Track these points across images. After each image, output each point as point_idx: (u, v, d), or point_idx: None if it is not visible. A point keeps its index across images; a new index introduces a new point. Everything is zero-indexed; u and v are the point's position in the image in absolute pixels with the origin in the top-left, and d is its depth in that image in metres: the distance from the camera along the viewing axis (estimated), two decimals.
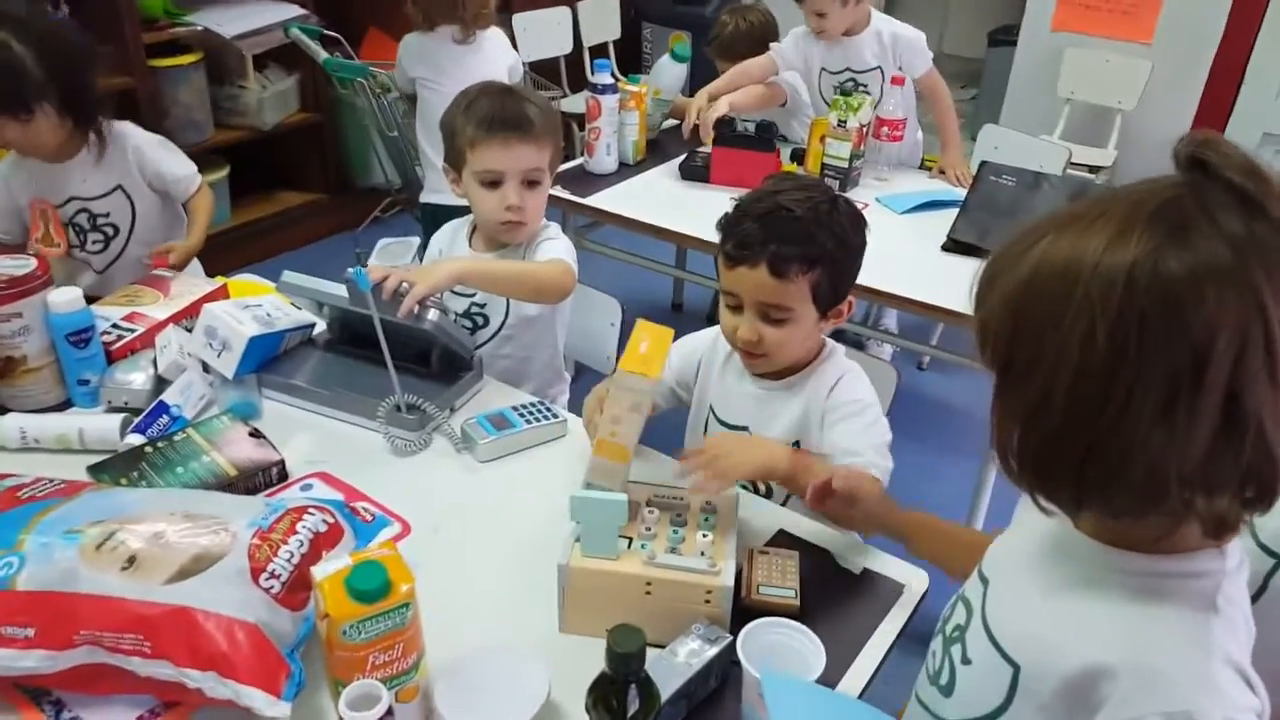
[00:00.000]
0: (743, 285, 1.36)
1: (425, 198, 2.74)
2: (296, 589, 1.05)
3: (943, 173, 2.82)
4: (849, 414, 1.39)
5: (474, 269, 1.58)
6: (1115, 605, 0.77)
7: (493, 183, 1.66)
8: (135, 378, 1.50)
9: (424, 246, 2.70)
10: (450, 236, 1.87)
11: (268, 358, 1.58)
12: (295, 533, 1.09)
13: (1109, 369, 0.67)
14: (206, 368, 1.54)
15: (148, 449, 1.35)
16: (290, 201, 3.72)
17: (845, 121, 2.57)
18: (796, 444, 1.44)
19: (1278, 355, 0.65)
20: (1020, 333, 0.73)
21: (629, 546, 1.17)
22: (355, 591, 0.92)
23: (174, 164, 2.09)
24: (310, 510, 1.14)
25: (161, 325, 1.59)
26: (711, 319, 3.48)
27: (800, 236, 1.32)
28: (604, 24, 4.50)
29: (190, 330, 1.60)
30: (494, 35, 2.74)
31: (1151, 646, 0.74)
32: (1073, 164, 3.13)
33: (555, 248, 1.72)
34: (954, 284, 2.20)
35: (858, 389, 1.43)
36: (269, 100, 3.45)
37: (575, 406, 1.63)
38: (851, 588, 1.28)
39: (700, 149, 2.72)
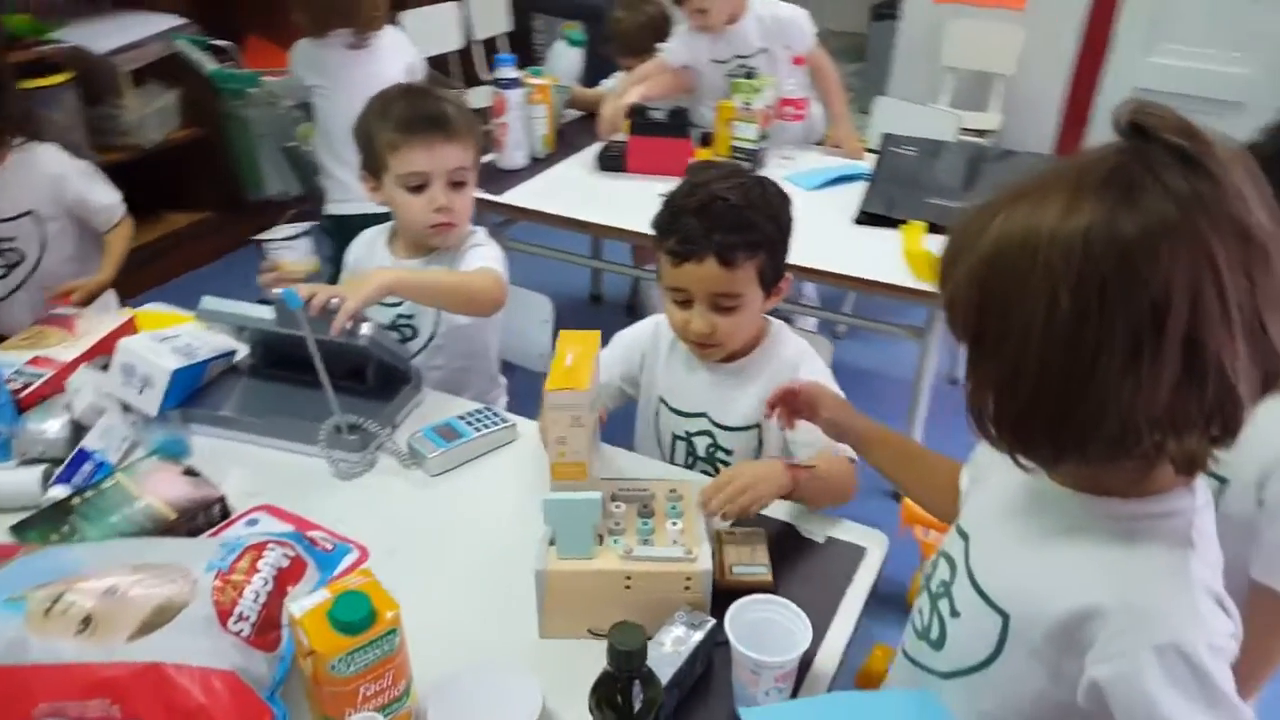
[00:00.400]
0: (691, 280, 1.36)
1: (329, 209, 2.65)
2: (266, 629, 1.01)
3: (836, 146, 2.86)
4: None
5: (404, 280, 1.53)
6: (1097, 549, 0.80)
7: (418, 186, 1.62)
8: (49, 426, 1.40)
9: (333, 259, 2.63)
10: (368, 246, 1.82)
11: (191, 390, 1.50)
12: (258, 570, 1.04)
13: (1075, 331, 0.70)
14: (127, 408, 1.46)
15: (74, 500, 1.27)
16: (178, 222, 3.56)
17: (750, 104, 2.58)
18: (758, 426, 1.45)
19: (1229, 300, 0.69)
20: (987, 306, 0.76)
21: (601, 543, 1.15)
22: (340, 624, 0.89)
23: (99, 192, 2.00)
24: (270, 545, 1.09)
25: (71, 367, 1.50)
26: (631, 308, 3.49)
27: (741, 224, 1.33)
28: (493, 17, 4.43)
29: (104, 369, 1.51)
30: (390, 36, 2.64)
31: (1135, 585, 0.78)
32: (963, 130, 3.24)
33: (484, 255, 1.69)
34: (868, 254, 2.27)
35: (818, 367, 1.46)
36: (150, 117, 3.28)
37: (514, 409, 1.60)
38: (816, 556, 1.31)
39: (616, 139, 2.71)
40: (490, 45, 4.49)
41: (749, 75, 2.68)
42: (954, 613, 0.93)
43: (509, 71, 2.59)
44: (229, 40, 3.11)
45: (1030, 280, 0.72)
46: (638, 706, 0.89)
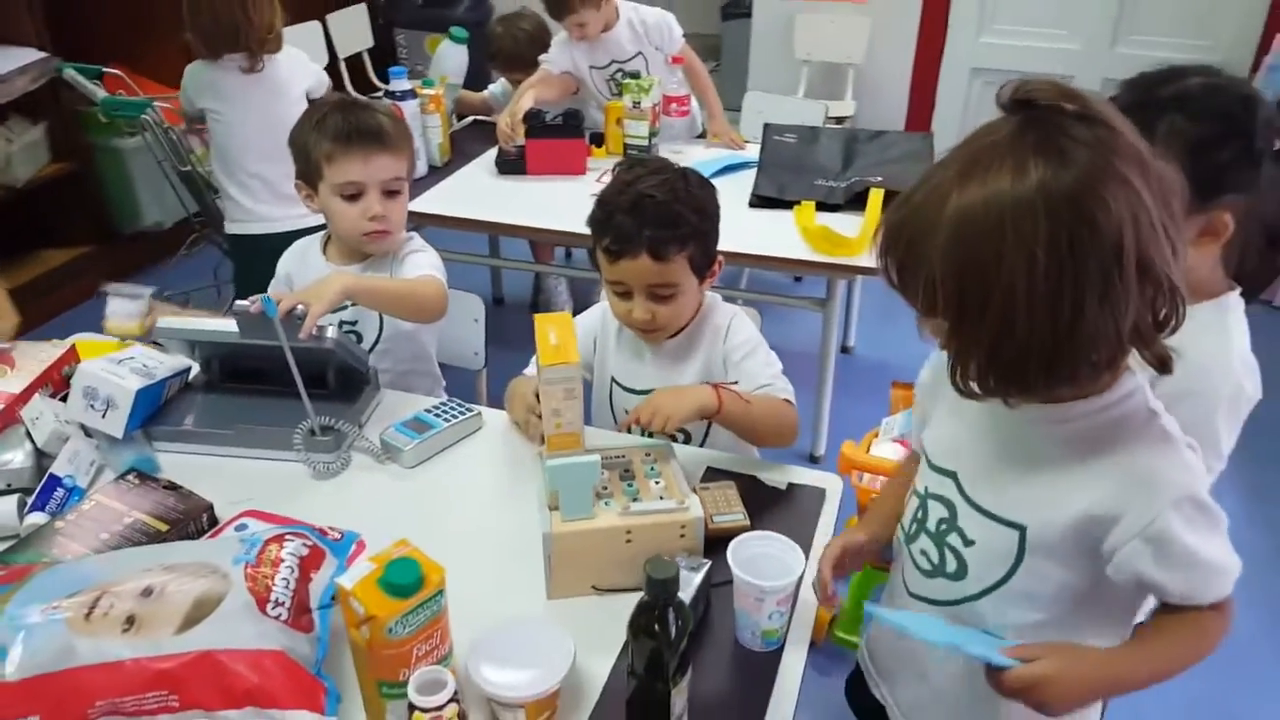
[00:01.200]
0: (628, 274, 1.46)
1: (229, 229, 2.62)
2: (300, 613, 1.05)
3: (716, 138, 3.01)
4: (747, 353, 1.54)
5: (360, 285, 1.56)
6: (1086, 446, 0.93)
7: (353, 195, 1.66)
8: (13, 456, 1.38)
9: (236, 279, 2.60)
10: (300, 256, 1.83)
11: (152, 410, 1.50)
12: (283, 560, 1.08)
13: (1056, 281, 0.80)
14: (88, 432, 1.45)
15: (58, 524, 1.27)
16: (54, 260, 3.42)
17: (640, 102, 2.70)
18: None
19: (1155, 220, 0.82)
20: (966, 278, 0.83)
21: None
22: (394, 588, 0.94)
23: None
24: (287, 537, 1.13)
25: (22, 398, 1.47)
26: (535, 307, 3.55)
27: (669, 219, 1.43)
28: (355, 34, 4.42)
29: (54, 397, 1.50)
30: (288, 58, 2.61)
31: (1133, 461, 0.91)
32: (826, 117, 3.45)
33: (423, 262, 1.74)
34: (761, 234, 2.40)
35: (746, 328, 1.58)
36: (17, 154, 3.14)
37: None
38: (782, 502, 1.42)
39: (514, 143, 2.77)
40: (358, 61, 4.47)
41: (632, 77, 2.79)
42: (967, 542, 1.03)
43: (402, 83, 2.63)
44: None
45: (1005, 246, 0.80)
46: (674, 631, 0.98)
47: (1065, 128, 0.81)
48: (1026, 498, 0.97)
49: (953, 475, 1.05)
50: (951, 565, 1.06)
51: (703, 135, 3.09)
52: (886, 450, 2.01)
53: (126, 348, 1.55)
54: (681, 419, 1.39)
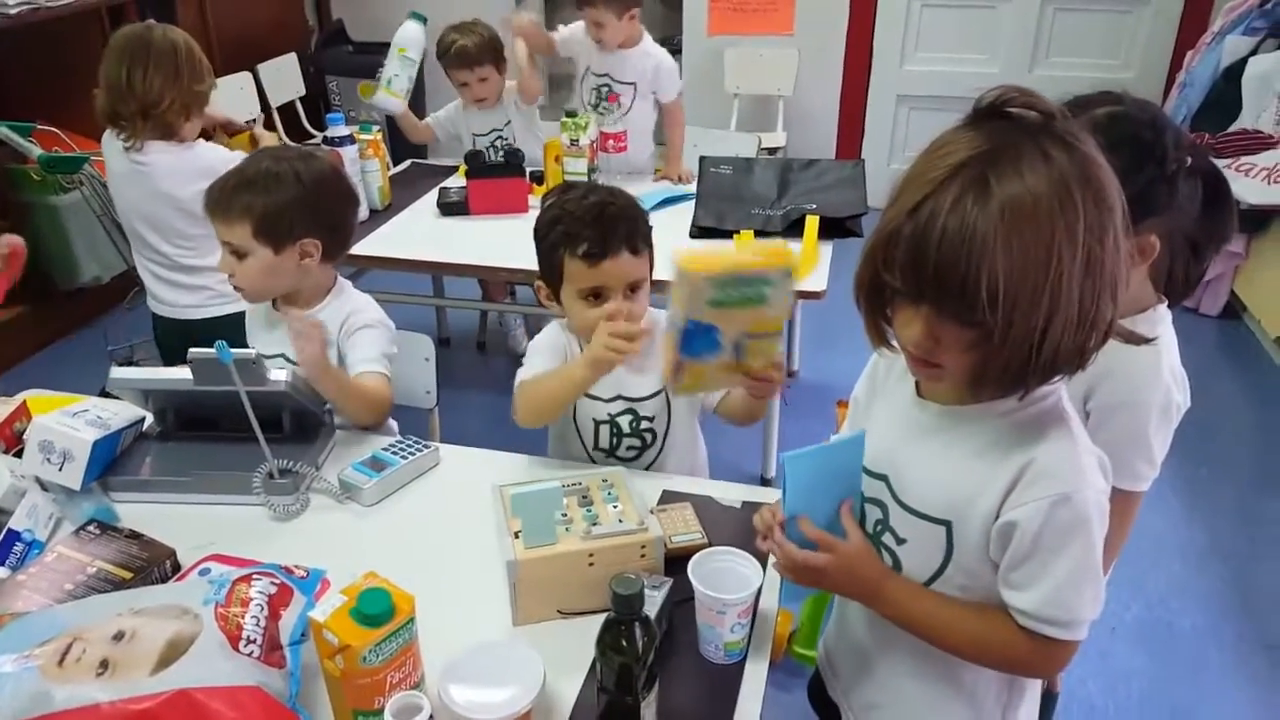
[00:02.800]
0: (609, 275, 1.51)
1: (154, 308, 2.49)
2: (272, 649, 1.07)
3: (665, 178, 3.10)
4: None
5: (325, 372, 1.58)
6: (1004, 443, 0.98)
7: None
8: None
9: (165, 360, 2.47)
10: (252, 308, 1.85)
11: (108, 461, 1.51)
12: (252, 599, 1.10)
13: (1089, 263, 0.85)
14: (44, 485, 1.45)
15: (20, 577, 1.26)
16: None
17: (577, 140, 2.77)
18: (664, 390, 1.63)
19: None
20: (1027, 270, 0.84)
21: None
22: (366, 618, 0.97)
23: None
24: (255, 577, 1.15)
25: None
26: (482, 346, 3.58)
27: (633, 218, 1.54)
28: (287, 83, 4.43)
29: (4, 453, 1.50)
30: (172, 162, 2.32)
31: (1033, 455, 0.96)
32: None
33: (372, 347, 1.73)
34: None
35: None
36: None
37: None
38: (737, 520, 1.46)
39: (451, 185, 2.82)
40: (290, 110, 4.48)
41: (609, 97, 2.90)
42: (900, 540, 1.09)
43: (340, 129, 2.66)
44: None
45: (1056, 230, 0.84)
46: (641, 645, 1.02)
47: (1054, 124, 0.88)
48: (950, 495, 1.02)
49: (884, 478, 1.10)
50: (888, 563, 1.11)
51: (657, 171, 3.19)
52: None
53: (79, 401, 1.55)
54: None
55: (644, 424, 1.65)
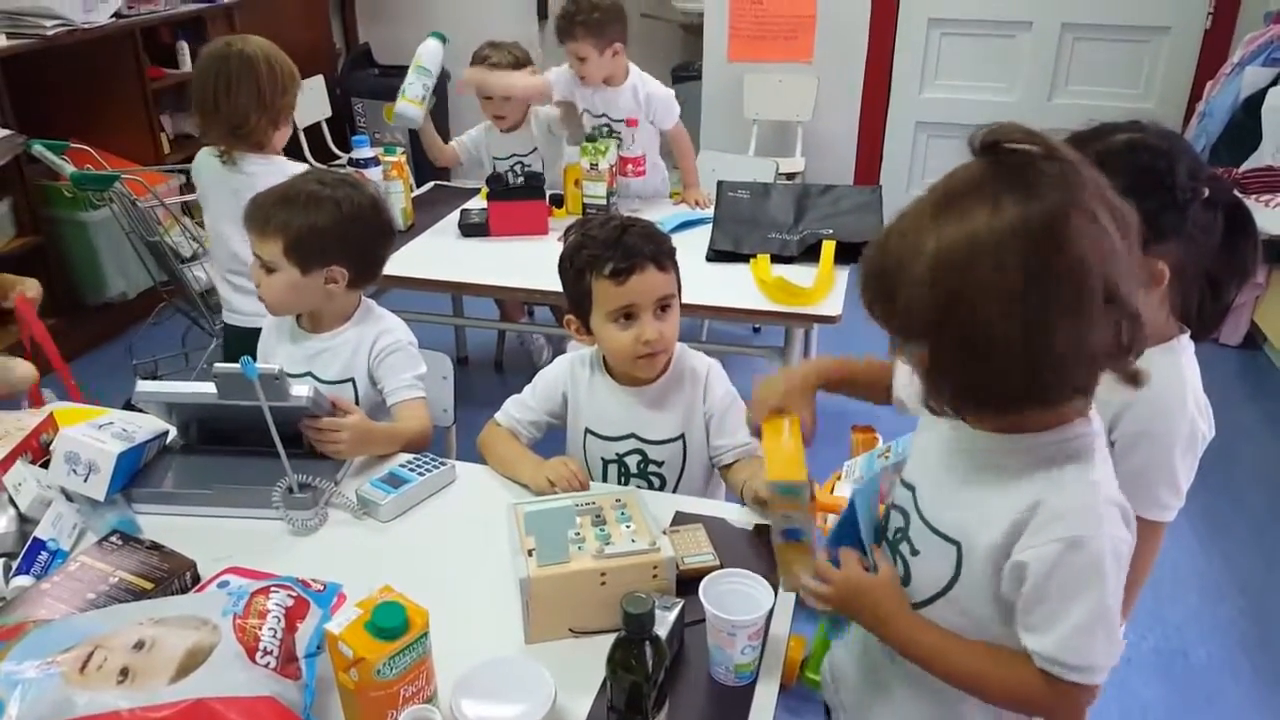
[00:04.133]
0: (638, 291, 1.54)
1: (226, 318, 2.59)
2: (288, 661, 1.09)
3: (683, 202, 3.13)
4: (728, 407, 1.65)
5: (367, 448, 1.67)
6: (1020, 477, 0.98)
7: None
8: None
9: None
10: (277, 323, 1.88)
11: (132, 473, 1.54)
12: (269, 611, 1.12)
13: (1037, 308, 0.85)
14: (69, 496, 1.48)
15: (44, 586, 1.29)
16: (20, 334, 3.42)
17: (597, 164, 2.80)
18: (681, 437, 1.64)
19: (1118, 250, 0.88)
20: (949, 304, 0.88)
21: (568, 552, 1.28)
22: (382, 631, 0.99)
23: None
24: (272, 589, 1.16)
25: (3, 465, 1.50)
26: (499, 366, 3.61)
27: (656, 236, 1.57)
28: (314, 104, 4.50)
29: (33, 463, 1.53)
30: (268, 166, 2.39)
31: (1049, 495, 0.96)
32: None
33: (406, 371, 1.79)
34: (720, 286, 2.49)
35: (725, 380, 1.68)
36: None
37: None
38: (750, 542, 1.47)
39: (472, 207, 2.86)
40: (317, 131, 4.55)
41: (612, 135, 2.93)
42: (914, 551, 1.10)
43: (365, 151, 2.70)
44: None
45: (984, 275, 0.86)
46: (651, 665, 1.03)
47: (1034, 166, 0.88)
48: (966, 517, 1.03)
49: (912, 489, 1.13)
50: (900, 572, 1.13)
51: (670, 197, 3.21)
52: (849, 492, 2.08)
53: (105, 414, 1.59)
54: None
55: (652, 467, 1.66)
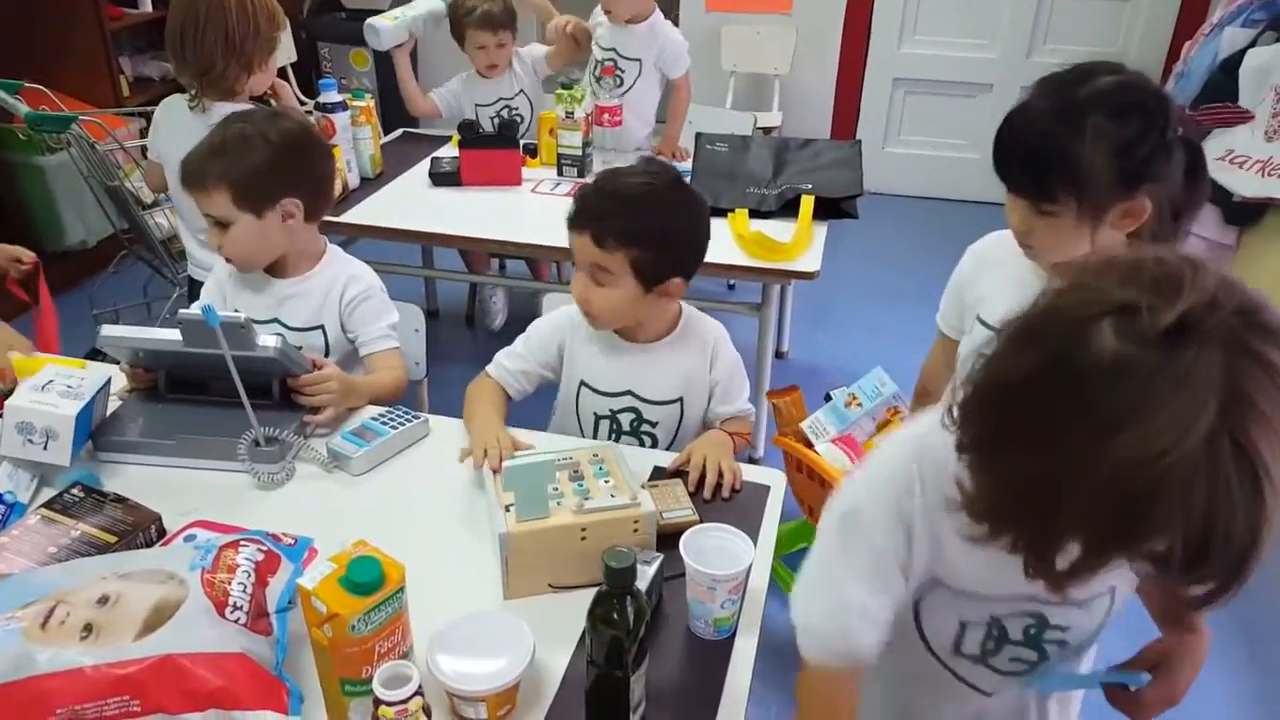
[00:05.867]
0: (575, 247, 1.53)
1: (190, 272, 2.49)
2: (258, 616, 1.06)
3: (659, 154, 3.08)
4: (731, 375, 1.65)
5: (357, 390, 1.66)
6: None
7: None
8: None
9: None
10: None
11: (87, 428, 1.48)
12: (239, 565, 1.09)
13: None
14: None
15: (2, 540, 1.24)
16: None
17: (572, 113, 2.73)
18: (680, 400, 1.61)
19: None
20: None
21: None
22: (356, 586, 0.96)
23: None
24: (242, 543, 1.13)
25: None
26: (470, 320, 3.56)
27: (623, 214, 1.48)
28: (280, 50, 4.35)
29: None
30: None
31: None
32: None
33: (378, 320, 1.77)
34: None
35: (732, 351, 1.66)
36: None
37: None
38: (729, 498, 1.46)
39: (443, 155, 2.79)
40: (281, 75, 4.42)
41: (618, 73, 2.90)
42: (1065, 629, 1.02)
43: (333, 95, 2.62)
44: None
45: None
46: (632, 619, 1.01)
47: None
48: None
49: (1031, 596, 1.00)
50: (1053, 651, 1.05)
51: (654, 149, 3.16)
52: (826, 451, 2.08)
53: (41, 370, 1.51)
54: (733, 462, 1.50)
55: (645, 425, 1.63)
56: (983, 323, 1.45)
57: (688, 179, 2.69)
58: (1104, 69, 1.24)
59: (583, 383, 1.64)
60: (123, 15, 3.84)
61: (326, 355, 1.75)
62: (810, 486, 2.12)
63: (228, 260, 1.72)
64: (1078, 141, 1.19)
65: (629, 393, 1.61)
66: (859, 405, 2.12)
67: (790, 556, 2.31)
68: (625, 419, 1.63)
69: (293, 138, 1.69)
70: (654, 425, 1.62)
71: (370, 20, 2.89)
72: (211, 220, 1.66)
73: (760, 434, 2.75)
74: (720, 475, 1.46)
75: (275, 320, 1.74)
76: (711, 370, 1.63)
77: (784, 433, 2.22)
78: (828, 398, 2.15)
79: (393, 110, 3.27)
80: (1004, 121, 1.28)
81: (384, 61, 4.69)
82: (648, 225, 1.48)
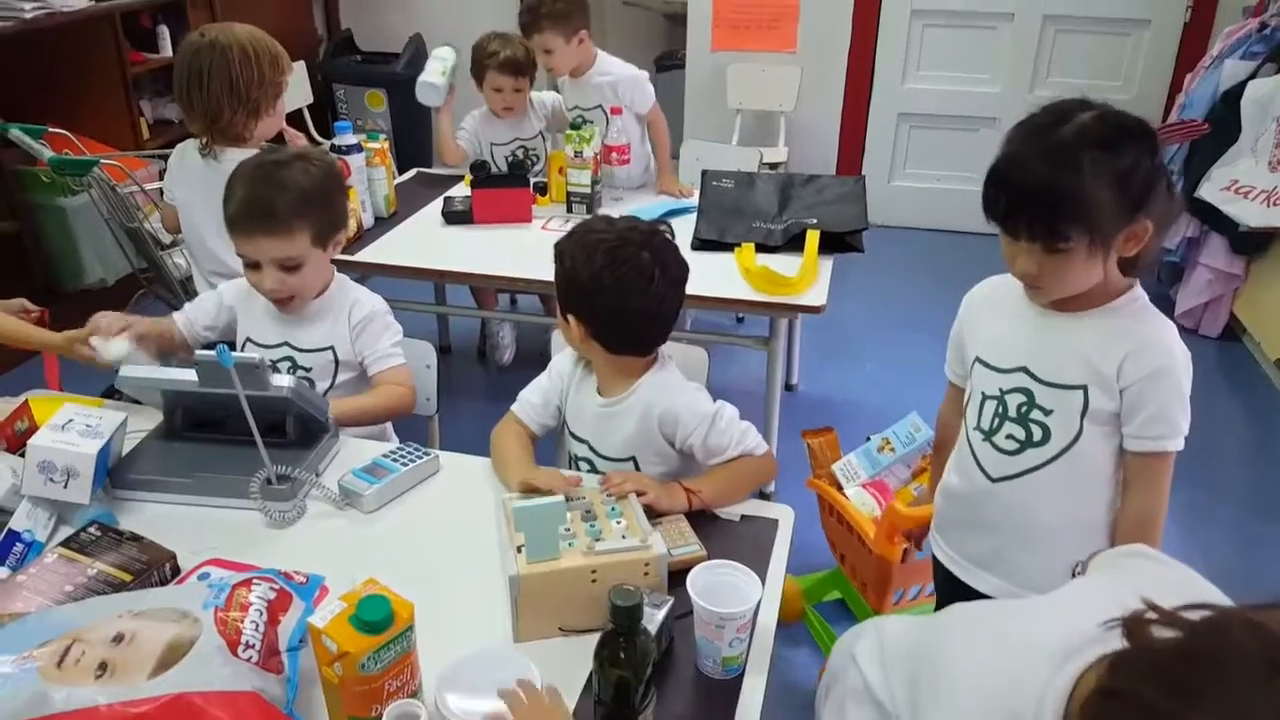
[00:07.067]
0: None
1: None
2: (270, 654, 1.07)
3: (664, 193, 3.11)
4: (708, 429, 1.54)
5: (343, 414, 1.69)
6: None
7: (252, 264, 1.72)
8: None
9: None
10: (247, 293, 1.84)
11: (106, 467, 1.50)
12: (251, 604, 1.10)
13: None
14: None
15: (20, 578, 1.27)
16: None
17: (581, 152, 2.78)
18: (633, 459, 1.59)
19: None
20: None
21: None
22: (366, 625, 0.98)
23: None
24: (254, 581, 1.15)
25: None
26: (482, 354, 3.59)
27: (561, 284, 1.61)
28: (296, 90, 4.44)
29: (9, 452, 1.50)
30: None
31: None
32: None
33: (390, 343, 1.81)
34: (704, 275, 2.49)
35: (697, 405, 1.55)
36: None
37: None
38: (737, 533, 1.47)
39: (455, 194, 2.83)
40: (299, 119, 4.50)
41: (586, 124, 2.89)
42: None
43: (348, 137, 2.67)
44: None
45: None
46: (639, 658, 1.02)
47: None
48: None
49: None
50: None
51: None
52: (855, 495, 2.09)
53: (61, 411, 1.53)
54: (653, 500, 1.44)
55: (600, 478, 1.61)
56: (982, 362, 1.47)
57: (694, 215, 2.77)
58: (1076, 106, 1.26)
59: (565, 423, 1.68)
60: (144, 60, 3.92)
61: (336, 375, 1.81)
62: (841, 531, 2.11)
63: (283, 300, 1.75)
64: (1079, 179, 1.21)
65: (587, 442, 1.64)
66: (892, 450, 2.11)
67: (823, 605, 2.31)
68: (584, 467, 1.65)
69: (336, 171, 1.79)
70: None
71: (425, 78, 2.93)
72: (279, 263, 1.69)
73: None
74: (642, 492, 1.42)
75: (285, 344, 1.79)
76: (678, 441, 1.56)
77: (818, 475, 2.21)
78: (868, 439, 2.16)
79: (407, 150, 3.32)
80: (994, 175, 1.29)
81: (398, 103, 4.81)
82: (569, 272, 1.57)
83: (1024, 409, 1.41)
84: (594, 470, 1.63)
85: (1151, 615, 0.70)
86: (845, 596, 2.26)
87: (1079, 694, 0.74)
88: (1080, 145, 1.22)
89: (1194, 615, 0.69)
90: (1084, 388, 1.35)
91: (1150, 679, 0.67)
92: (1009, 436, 1.43)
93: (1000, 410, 1.44)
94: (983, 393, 1.46)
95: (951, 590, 1.57)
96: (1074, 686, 0.75)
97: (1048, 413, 1.39)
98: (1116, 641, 0.72)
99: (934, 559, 1.64)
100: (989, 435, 1.46)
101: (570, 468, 1.67)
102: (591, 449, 1.63)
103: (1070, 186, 1.22)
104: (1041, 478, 1.41)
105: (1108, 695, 0.70)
